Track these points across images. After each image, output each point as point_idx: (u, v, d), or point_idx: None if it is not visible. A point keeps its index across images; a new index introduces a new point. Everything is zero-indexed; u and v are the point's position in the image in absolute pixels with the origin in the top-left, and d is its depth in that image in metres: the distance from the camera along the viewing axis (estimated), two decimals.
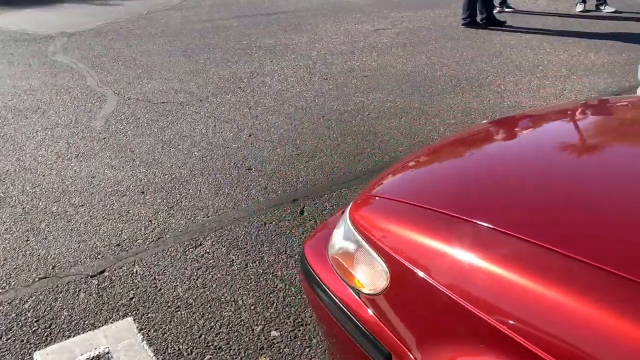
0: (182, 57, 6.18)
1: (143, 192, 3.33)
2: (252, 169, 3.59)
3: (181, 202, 3.22)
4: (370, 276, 1.39)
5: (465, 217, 1.28)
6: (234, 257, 2.72)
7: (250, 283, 2.53)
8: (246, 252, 2.75)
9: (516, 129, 1.96)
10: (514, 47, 6.42)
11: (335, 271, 1.55)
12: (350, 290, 1.47)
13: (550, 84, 5.17)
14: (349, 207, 1.58)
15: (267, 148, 3.89)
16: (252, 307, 2.38)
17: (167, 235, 2.91)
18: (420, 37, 6.93)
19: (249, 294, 2.46)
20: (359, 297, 1.43)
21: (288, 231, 2.92)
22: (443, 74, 5.47)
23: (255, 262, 2.68)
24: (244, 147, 3.90)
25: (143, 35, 7.22)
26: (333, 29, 7.39)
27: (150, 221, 3.03)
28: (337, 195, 3.26)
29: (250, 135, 4.09)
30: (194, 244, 2.83)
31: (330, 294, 1.52)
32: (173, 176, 3.52)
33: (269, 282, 2.54)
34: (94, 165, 3.68)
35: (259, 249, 2.78)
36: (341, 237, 1.55)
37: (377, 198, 1.51)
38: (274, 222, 3.00)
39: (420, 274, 1.23)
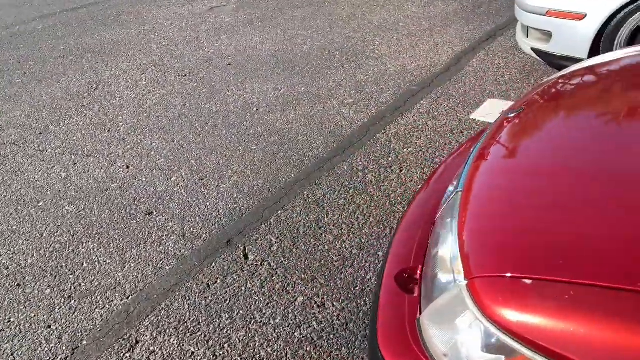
0: None
1: (19, 285, 2.41)
2: (153, 213, 2.81)
3: (79, 285, 2.38)
4: None
5: None
6: (192, 349, 2.02)
7: None
8: (205, 336, 2.07)
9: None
10: (363, 6, 6.14)
11: None
12: None
13: (420, 40, 4.97)
14: (469, 295, 1.04)
15: (159, 179, 3.10)
16: None
17: (84, 343, 2.09)
18: (262, 10, 6.34)
19: None
20: None
21: (243, 288, 2.27)
22: (310, 47, 4.99)
23: (222, 347, 2.02)
24: (128, 185, 3.07)
25: None
26: (162, 15, 6.46)
27: (49, 327, 2.17)
28: (276, 222, 2.66)
29: (128, 167, 3.25)
30: (127, 345, 2.06)
31: None
32: (51, 250, 2.61)
33: None
34: None
35: (218, 325, 2.11)
36: (477, 347, 1.02)
37: (530, 282, 0.99)
38: (219, 280, 2.33)
39: None
